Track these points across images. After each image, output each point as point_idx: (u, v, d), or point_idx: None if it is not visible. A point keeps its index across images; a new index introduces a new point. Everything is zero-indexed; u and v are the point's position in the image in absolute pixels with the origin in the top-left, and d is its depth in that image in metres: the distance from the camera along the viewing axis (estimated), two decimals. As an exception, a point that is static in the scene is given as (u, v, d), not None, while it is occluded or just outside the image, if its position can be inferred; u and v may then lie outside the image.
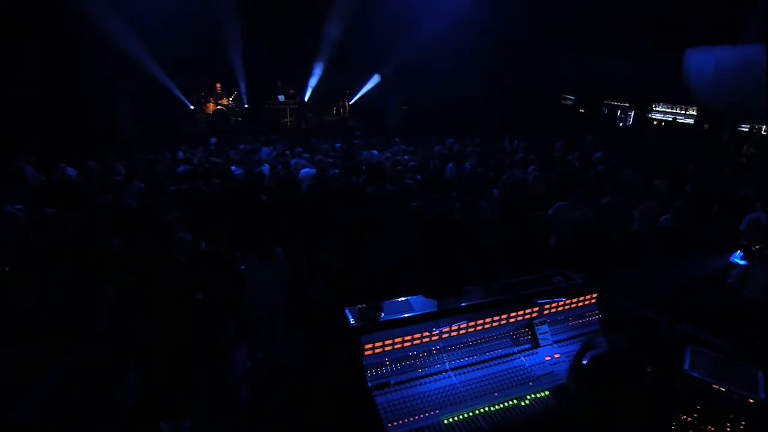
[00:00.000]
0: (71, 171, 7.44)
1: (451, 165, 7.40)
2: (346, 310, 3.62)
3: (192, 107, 14.30)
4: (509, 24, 13.49)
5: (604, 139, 10.29)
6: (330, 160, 9.02)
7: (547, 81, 15.48)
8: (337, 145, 10.12)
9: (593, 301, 3.91)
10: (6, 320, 4.44)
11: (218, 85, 14.07)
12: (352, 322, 3.49)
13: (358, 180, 6.22)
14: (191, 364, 3.81)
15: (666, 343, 3.57)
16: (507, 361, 3.45)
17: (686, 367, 3.20)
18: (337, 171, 7.06)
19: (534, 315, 3.68)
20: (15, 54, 9.87)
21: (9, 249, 5.20)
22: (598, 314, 3.88)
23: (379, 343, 3.21)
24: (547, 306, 3.71)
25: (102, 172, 7.03)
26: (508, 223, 5.20)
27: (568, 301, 3.79)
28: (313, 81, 15.48)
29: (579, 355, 3.10)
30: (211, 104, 14.00)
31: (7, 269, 5.08)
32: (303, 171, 7.98)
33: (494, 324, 3.55)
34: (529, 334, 3.66)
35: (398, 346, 3.27)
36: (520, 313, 3.62)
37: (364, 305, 3.69)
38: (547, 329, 3.69)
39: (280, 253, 4.25)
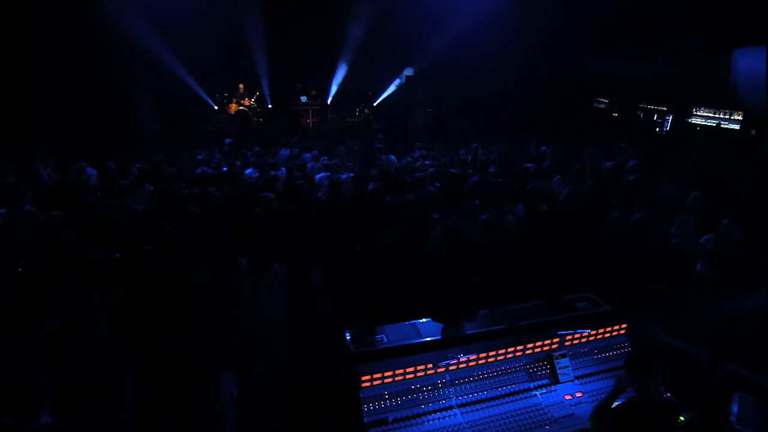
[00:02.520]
0: (92, 171, 7.47)
1: (475, 177, 6.95)
2: (347, 334, 3.35)
3: (216, 107, 14.36)
4: (538, 23, 12.94)
5: (639, 146, 9.65)
6: (349, 164, 8.77)
7: (578, 83, 14.80)
8: (357, 147, 9.83)
9: (622, 332, 3.50)
10: (11, 322, 4.38)
11: (241, 85, 14.07)
12: (352, 348, 3.22)
13: (373, 187, 5.93)
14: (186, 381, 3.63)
15: (708, 386, 3.12)
16: (521, 399, 3.09)
17: (733, 418, 2.76)
18: (349, 175, 6.77)
19: (554, 347, 3.30)
20: (37, 53, 10.03)
21: (25, 249, 5.16)
22: (627, 347, 3.47)
23: (378, 375, 2.91)
24: (569, 337, 3.33)
25: (117, 173, 6.97)
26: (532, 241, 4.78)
27: (593, 332, 3.39)
28: (336, 82, 15.30)
29: (610, 399, 2.71)
30: (234, 105, 14.02)
31: (20, 269, 5.05)
32: (318, 176, 7.77)
33: (508, 356, 3.20)
34: (548, 368, 3.28)
35: (400, 378, 2.97)
36: (538, 344, 3.25)
37: (366, 328, 3.42)
38: (569, 363, 3.31)
39: (277, 268, 4.01)
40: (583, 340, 3.38)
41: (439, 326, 3.43)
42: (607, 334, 3.45)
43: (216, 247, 4.68)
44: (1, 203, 5.33)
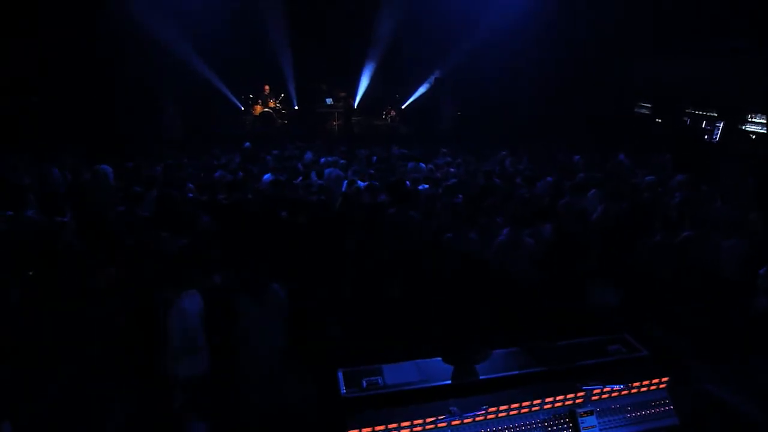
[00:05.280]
0: (107, 168, 7.42)
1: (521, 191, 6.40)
2: (339, 373, 2.98)
3: (242, 108, 14.35)
4: (576, 22, 12.19)
5: (686, 157, 8.82)
6: (372, 171, 8.40)
7: (619, 86, 13.91)
8: (374, 158, 9.41)
9: (663, 386, 2.97)
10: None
11: (267, 87, 13.99)
12: (342, 392, 2.84)
13: (382, 200, 5.53)
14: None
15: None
16: (536, 465, 2.64)
17: None
18: (364, 184, 6.38)
19: (578, 401, 2.82)
20: (63, 55, 10.17)
21: (29, 254, 5.09)
22: (668, 405, 2.94)
23: (368, 430, 2.52)
24: (596, 391, 2.84)
25: (131, 177, 6.88)
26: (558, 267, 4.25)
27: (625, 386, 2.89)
28: (363, 84, 15.02)
29: None
30: (259, 106, 13.95)
31: (31, 273, 4.98)
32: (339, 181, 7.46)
33: (523, 410, 2.75)
34: (570, 427, 2.80)
35: (393, 433, 2.57)
36: (560, 398, 2.78)
37: (361, 368, 3.04)
38: (595, 422, 2.82)
39: (276, 290, 3.69)
40: (614, 394, 2.88)
41: (444, 367, 3.01)
42: (644, 388, 2.94)
43: (215, 260, 4.44)
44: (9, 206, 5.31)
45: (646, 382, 2.92)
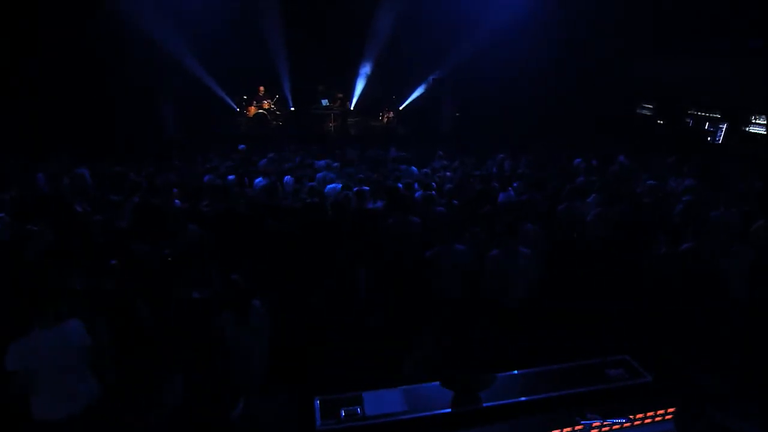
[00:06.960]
0: (83, 170, 7.21)
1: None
2: (316, 402, 2.75)
3: (237, 109, 14.12)
4: (576, 22, 11.93)
5: (688, 158, 8.54)
6: (361, 175, 8.15)
7: (620, 86, 13.64)
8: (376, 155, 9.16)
9: (668, 417, 2.72)
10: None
11: (261, 88, 13.75)
12: (318, 425, 2.61)
13: (380, 206, 5.27)
14: None
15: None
16: None
17: None
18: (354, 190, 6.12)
19: (576, 436, 2.58)
20: (62, 55, 10.00)
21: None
22: (675, 440, 2.69)
23: (342, 470, 2.29)
24: (596, 424, 2.59)
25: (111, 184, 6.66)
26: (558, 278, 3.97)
27: (628, 418, 2.64)
28: (360, 85, 14.77)
29: None
30: (253, 107, 13.71)
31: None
32: (329, 187, 7.23)
33: (515, 446, 2.51)
34: (568, 463, 2.56)
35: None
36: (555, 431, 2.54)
37: (340, 396, 2.81)
38: (596, 458, 2.57)
39: (257, 306, 3.45)
40: (616, 427, 2.64)
41: (428, 396, 2.77)
42: (648, 420, 2.69)
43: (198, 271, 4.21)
44: None
45: (650, 413, 2.67)
